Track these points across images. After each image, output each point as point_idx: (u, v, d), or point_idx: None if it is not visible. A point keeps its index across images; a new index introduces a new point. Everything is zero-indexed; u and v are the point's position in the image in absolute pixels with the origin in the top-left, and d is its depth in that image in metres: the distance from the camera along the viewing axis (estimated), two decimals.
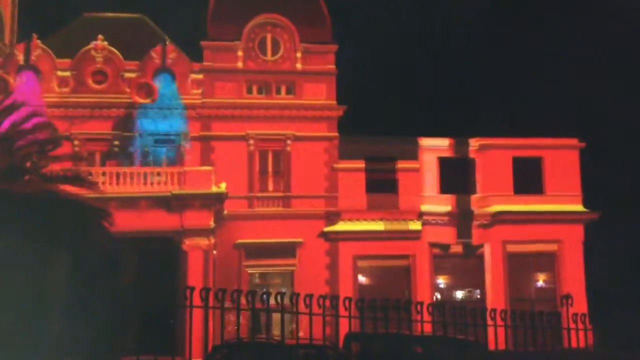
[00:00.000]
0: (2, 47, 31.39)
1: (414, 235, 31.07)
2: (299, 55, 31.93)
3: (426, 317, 10.87)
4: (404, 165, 31.83)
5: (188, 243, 26.49)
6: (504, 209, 31.58)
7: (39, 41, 30.38)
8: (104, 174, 26.41)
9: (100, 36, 30.72)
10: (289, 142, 31.26)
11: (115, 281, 22.12)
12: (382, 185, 31.53)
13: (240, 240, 29.86)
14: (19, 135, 18.09)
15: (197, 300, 10.82)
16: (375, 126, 32.25)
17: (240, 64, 31.53)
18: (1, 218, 14.77)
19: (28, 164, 17.88)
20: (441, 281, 31.96)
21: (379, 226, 30.82)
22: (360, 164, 31.46)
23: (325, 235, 30.68)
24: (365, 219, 30.96)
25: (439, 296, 31.21)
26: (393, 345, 11.90)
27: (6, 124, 18.07)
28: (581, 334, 11.79)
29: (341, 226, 30.75)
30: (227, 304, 9.84)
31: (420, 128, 32.89)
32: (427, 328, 11.71)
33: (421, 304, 10.98)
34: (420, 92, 41.10)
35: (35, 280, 15.92)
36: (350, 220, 30.94)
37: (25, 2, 33.96)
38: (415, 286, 30.84)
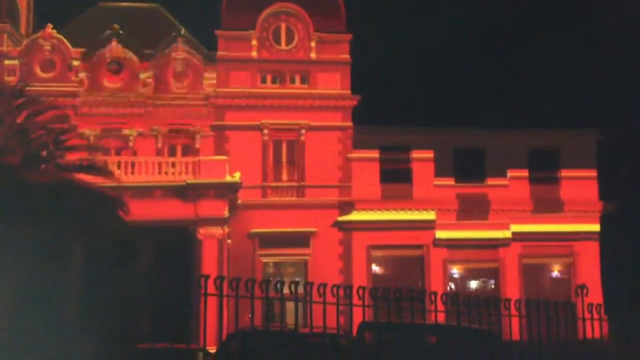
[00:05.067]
0: (18, 37, 31.57)
1: (428, 225, 31.03)
2: (313, 44, 31.88)
3: (440, 307, 10.88)
4: (418, 155, 31.75)
5: (202, 232, 26.61)
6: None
7: (54, 31, 30.50)
8: (119, 163, 26.54)
9: (115, 25, 30.79)
10: (303, 131, 31.27)
11: (130, 270, 22.33)
12: (396, 175, 31.49)
13: (254, 230, 29.96)
14: (35, 126, 18.25)
15: (211, 288, 10.89)
16: (390, 116, 32.09)
17: (254, 54, 31.53)
18: (18, 206, 14.92)
19: (44, 154, 18.03)
20: (455, 271, 31.91)
21: (392, 216, 30.79)
22: (375, 154, 31.41)
23: (339, 225, 30.71)
24: (379, 209, 30.94)
25: (452, 286, 31.18)
26: (407, 335, 11.92)
27: (23, 114, 18.24)
28: (596, 324, 11.75)
29: (355, 216, 30.77)
30: (241, 293, 9.89)
31: (435, 118, 32.75)
32: (441, 318, 11.71)
33: (435, 293, 10.98)
34: (436, 81, 40.84)
35: (52, 267, 16.09)
36: (364, 209, 30.93)
37: None
38: (429, 276, 30.83)
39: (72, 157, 19.17)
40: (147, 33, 31.39)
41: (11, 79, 28.39)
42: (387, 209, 30.94)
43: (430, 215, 31.19)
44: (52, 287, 16.68)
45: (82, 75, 30.18)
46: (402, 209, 31.03)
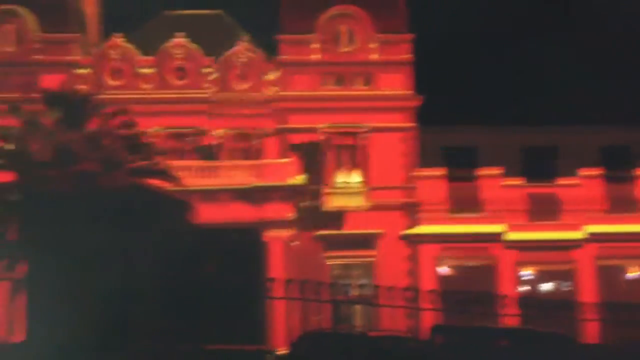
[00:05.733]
0: (88, 46, 32.61)
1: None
2: (374, 45, 31.75)
3: (512, 310, 10.65)
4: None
5: (268, 235, 26.85)
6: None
7: (121, 39, 31.37)
8: (186, 167, 27.06)
9: (180, 33, 31.44)
10: (365, 133, 31.17)
11: (199, 272, 22.70)
12: (462, 176, 31.04)
13: (320, 232, 30.01)
14: (107, 132, 18.74)
15: (278, 291, 10.98)
16: (454, 115, 31.61)
17: (315, 57, 31.64)
18: (93, 211, 15.38)
19: (116, 160, 18.50)
20: (527, 273, 31.16)
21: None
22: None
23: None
24: (446, 218, 30.36)
25: (525, 288, 30.46)
26: (477, 339, 11.70)
27: (95, 121, 18.77)
28: None
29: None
30: (309, 295, 9.89)
31: (502, 116, 32.06)
32: (513, 321, 11.45)
33: (506, 296, 10.75)
34: (503, 79, 39.94)
35: (125, 271, 16.51)
36: (430, 213, 30.44)
37: (108, 2, 35.13)
38: (500, 278, 30.18)
39: (142, 163, 19.62)
40: (211, 39, 31.92)
41: (83, 88, 29.29)
42: (454, 218, 30.33)
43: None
44: (126, 290, 17.11)
45: (150, 76, 30.90)
46: (470, 213, 30.40)
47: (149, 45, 31.53)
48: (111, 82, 30.80)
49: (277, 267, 25.74)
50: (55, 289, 15.69)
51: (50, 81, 28.67)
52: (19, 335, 23.70)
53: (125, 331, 15.85)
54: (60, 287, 15.67)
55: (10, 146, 18.10)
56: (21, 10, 30.91)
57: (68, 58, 31.03)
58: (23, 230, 15.96)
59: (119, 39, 31.34)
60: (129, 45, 31.35)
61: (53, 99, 19.01)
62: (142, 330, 16.63)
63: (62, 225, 15.52)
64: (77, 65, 31.00)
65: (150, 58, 31.24)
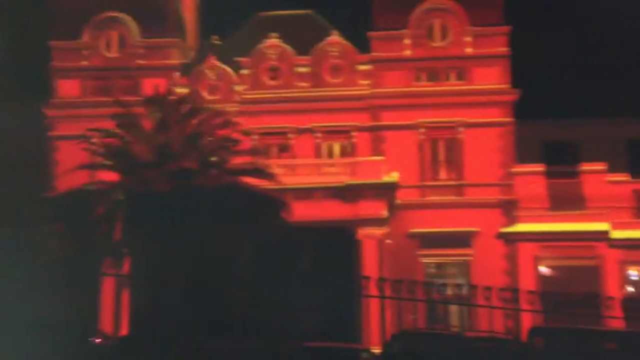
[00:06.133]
0: (187, 50, 33.69)
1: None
2: (468, 39, 31.07)
3: (616, 312, 10.12)
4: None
5: (362, 233, 26.84)
6: None
7: (217, 42, 32.20)
8: (281, 166, 27.46)
9: (273, 34, 31.93)
10: (460, 129, 30.57)
11: (293, 269, 23.00)
12: (563, 173, 29.85)
13: (414, 230, 29.72)
14: (205, 132, 19.31)
15: (373, 289, 10.92)
16: (554, 109, 30.43)
17: (407, 52, 31.31)
18: (192, 209, 15.87)
19: (213, 159, 19.03)
20: (634, 273, 29.61)
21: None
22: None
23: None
24: (546, 216, 29.35)
25: (632, 289, 28.98)
26: (581, 341, 11.20)
27: (194, 122, 19.38)
28: None
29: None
30: (403, 294, 9.78)
31: (604, 108, 30.58)
32: (618, 324, 10.90)
33: (612, 298, 10.23)
34: (605, 69, 38.10)
35: (221, 267, 16.94)
36: (529, 211, 29.46)
37: (205, 5, 36.13)
38: (604, 279, 28.83)
39: (238, 161, 20.07)
40: (303, 38, 32.23)
41: (182, 90, 30.30)
42: (555, 215, 29.25)
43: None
44: (223, 285, 17.56)
45: (245, 77, 31.55)
46: (571, 211, 29.16)
47: (244, 46, 32.18)
48: (209, 84, 31.66)
49: (371, 265, 25.65)
50: (157, 285, 16.27)
51: (151, 85, 29.93)
52: (124, 330, 24.82)
53: (224, 326, 16.24)
54: (162, 283, 16.24)
55: (115, 148, 18.94)
56: (124, 16, 32.28)
57: (168, 62, 32.18)
58: (127, 229, 16.66)
59: (215, 42, 32.20)
60: (224, 47, 32.12)
61: (153, 101, 19.75)
62: (240, 325, 16.99)
63: (162, 223, 16.09)
64: (177, 68, 32.07)
65: (245, 59, 31.88)
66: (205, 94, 31.38)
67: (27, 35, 30.59)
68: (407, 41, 31.30)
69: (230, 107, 30.70)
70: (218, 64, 31.85)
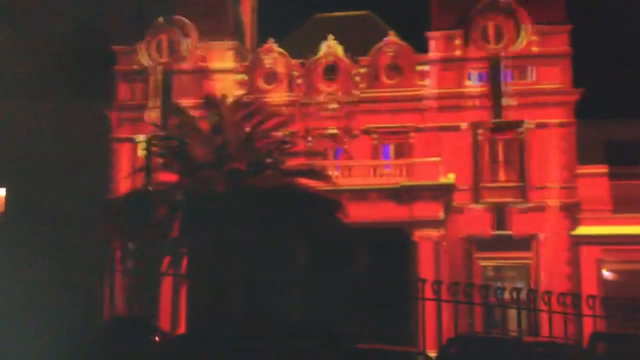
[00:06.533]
0: (244, 52, 34.05)
1: None
2: (529, 38, 30.39)
3: None
4: None
5: (418, 234, 26.61)
6: None
7: (275, 45, 32.43)
8: (336, 167, 27.49)
9: (330, 36, 31.94)
10: (520, 129, 29.92)
11: (349, 270, 22.98)
12: (628, 175, 28.88)
13: (471, 232, 29.25)
14: (261, 134, 19.50)
15: (429, 292, 10.79)
16: (618, 108, 29.53)
17: (464, 52, 30.82)
18: (247, 209, 16.04)
19: (269, 160, 19.20)
20: None
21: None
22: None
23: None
24: (609, 217, 28.46)
25: None
26: None
27: (249, 124, 19.60)
28: None
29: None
30: (460, 297, 9.63)
31: None
32: None
33: None
34: None
35: (278, 266, 17.07)
36: (591, 213, 28.61)
37: (262, 8, 36.46)
38: None
39: (294, 163, 20.19)
40: (360, 39, 32.14)
41: (240, 92, 30.66)
42: (618, 218, 28.30)
43: None
44: (279, 284, 17.69)
45: (299, 82, 31.68)
46: (635, 213, 28.15)
47: (303, 47, 32.26)
48: (264, 86, 31.92)
49: (427, 267, 25.41)
50: (215, 284, 16.51)
51: (209, 87, 30.37)
52: (182, 328, 25.27)
53: (280, 326, 16.32)
54: (220, 282, 16.47)
55: (175, 150, 19.31)
56: (182, 19, 32.80)
57: (226, 64, 32.55)
58: (185, 228, 16.95)
59: (272, 44, 32.41)
60: (282, 50, 32.31)
61: (211, 103, 20.06)
62: (297, 325, 17.04)
63: (221, 223, 16.31)
64: (234, 70, 32.43)
65: (300, 61, 31.96)
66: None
67: (90, 38, 31.44)
68: (464, 41, 30.80)
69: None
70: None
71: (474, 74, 30.77)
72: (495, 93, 30.23)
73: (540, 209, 28.99)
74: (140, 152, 30.77)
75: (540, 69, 30.13)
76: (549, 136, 29.53)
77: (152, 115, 31.70)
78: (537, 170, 29.34)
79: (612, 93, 32.58)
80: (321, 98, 31.39)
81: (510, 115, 29.89)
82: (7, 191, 32.01)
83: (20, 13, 32.27)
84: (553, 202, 29.12)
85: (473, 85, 30.59)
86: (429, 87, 30.85)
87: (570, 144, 29.50)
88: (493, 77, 30.34)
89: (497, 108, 30.04)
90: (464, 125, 30.14)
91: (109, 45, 33.00)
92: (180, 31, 32.70)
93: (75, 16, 31.50)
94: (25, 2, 32.47)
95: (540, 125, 29.62)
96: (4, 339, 14.50)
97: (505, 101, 29.92)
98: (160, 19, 32.57)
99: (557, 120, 29.69)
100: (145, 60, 32.30)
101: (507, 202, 29.49)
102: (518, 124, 29.83)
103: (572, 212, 29.05)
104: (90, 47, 31.60)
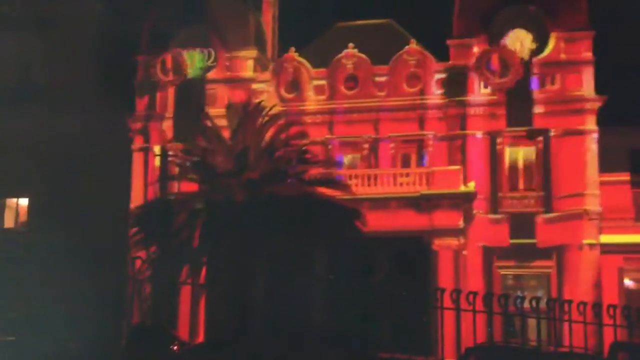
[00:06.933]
0: (265, 61, 34.26)
1: None
2: (553, 45, 30.17)
3: None
4: None
5: (438, 243, 26.52)
6: None
7: (295, 54, 32.59)
8: (355, 176, 27.50)
9: (350, 44, 32.03)
10: (540, 138, 29.68)
11: (368, 279, 22.93)
12: None
13: (491, 241, 29.03)
14: (280, 143, 19.57)
15: (447, 301, 10.74)
16: None
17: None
18: (267, 219, 16.10)
19: (289, 169, 19.26)
20: None
21: None
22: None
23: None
24: (631, 226, 28.12)
25: None
26: None
27: (270, 133, 19.68)
28: None
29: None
30: (479, 307, 9.58)
31: None
32: None
33: None
34: None
35: (298, 276, 17.09)
36: (613, 221, 28.28)
37: (283, 17, 36.68)
38: None
39: (313, 172, 20.24)
40: (381, 48, 32.18)
41: (260, 101, 30.74)
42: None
43: None
44: (299, 294, 17.71)
45: (320, 90, 31.74)
46: None
47: (324, 56, 32.37)
48: (286, 95, 32.06)
49: (446, 276, 25.30)
50: (234, 293, 16.57)
51: (231, 96, 30.59)
52: (201, 337, 25.42)
53: (303, 336, 16.34)
54: (239, 292, 16.53)
55: (197, 159, 19.44)
56: (203, 30, 33.07)
57: (248, 74, 32.75)
58: (204, 237, 17.05)
59: (293, 53, 32.58)
60: (302, 59, 32.44)
61: (232, 112, 20.18)
62: (319, 335, 17.06)
63: (241, 232, 16.39)
64: (255, 80, 32.62)
65: (322, 70, 32.08)
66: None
67: (113, 49, 31.80)
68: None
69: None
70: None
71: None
72: (521, 100, 29.90)
73: (563, 217, 28.71)
74: (159, 162, 31.11)
75: (562, 75, 29.91)
76: (572, 144, 29.25)
77: (170, 125, 32.05)
78: (560, 179, 29.07)
79: (635, 100, 32.20)
80: (342, 106, 31.47)
81: (535, 123, 29.65)
82: (29, 200, 32.50)
83: (54, 24, 32.77)
84: (576, 210, 28.82)
85: (493, 93, 30.32)
86: (447, 94, 30.71)
87: (592, 151, 29.20)
88: (519, 85, 29.95)
89: (521, 116, 29.78)
90: (484, 133, 29.95)
91: (135, 55, 33.40)
92: (201, 42, 32.99)
93: (107, 26, 31.90)
94: (58, 12, 32.94)
95: (563, 133, 29.37)
96: (26, 345, 14.70)
97: (535, 109, 29.61)
98: (187, 31, 32.84)
99: (580, 128, 29.42)
100: (164, 71, 32.59)
101: (527, 210, 29.24)
102: (541, 131, 29.58)
103: (594, 220, 28.74)
104: (119, 57, 31.95)
